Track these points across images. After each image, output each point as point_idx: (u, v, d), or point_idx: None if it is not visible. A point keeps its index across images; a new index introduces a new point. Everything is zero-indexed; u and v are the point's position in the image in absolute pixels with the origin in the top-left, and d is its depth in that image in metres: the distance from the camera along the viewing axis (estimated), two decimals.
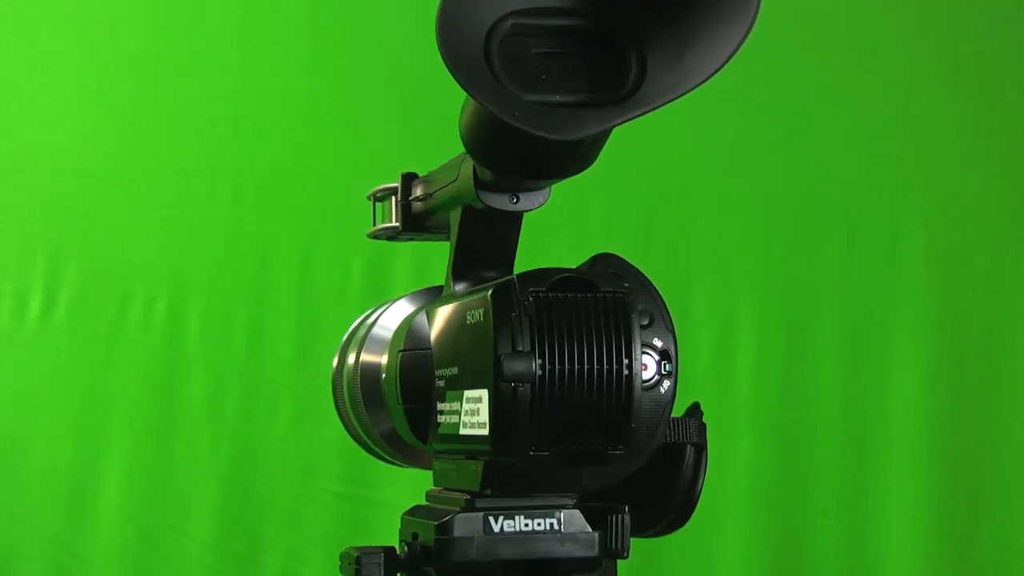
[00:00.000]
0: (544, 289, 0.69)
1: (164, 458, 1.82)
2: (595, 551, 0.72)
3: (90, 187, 1.89)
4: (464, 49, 0.63)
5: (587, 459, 0.70)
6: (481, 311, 0.69)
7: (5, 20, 1.94)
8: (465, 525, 0.73)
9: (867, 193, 1.71)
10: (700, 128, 1.74)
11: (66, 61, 1.92)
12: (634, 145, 1.74)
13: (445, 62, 0.61)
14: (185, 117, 1.87)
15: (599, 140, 0.69)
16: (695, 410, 0.76)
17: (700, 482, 0.75)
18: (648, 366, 0.69)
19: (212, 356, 1.84)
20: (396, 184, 0.84)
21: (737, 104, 1.72)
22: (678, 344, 0.70)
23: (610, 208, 1.74)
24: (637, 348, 0.68)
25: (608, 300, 0.69)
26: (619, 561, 0.76)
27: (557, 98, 0.65)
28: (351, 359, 0.89)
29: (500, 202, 0.73)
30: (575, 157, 0.68)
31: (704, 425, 0.75)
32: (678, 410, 0.76)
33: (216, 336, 1.84)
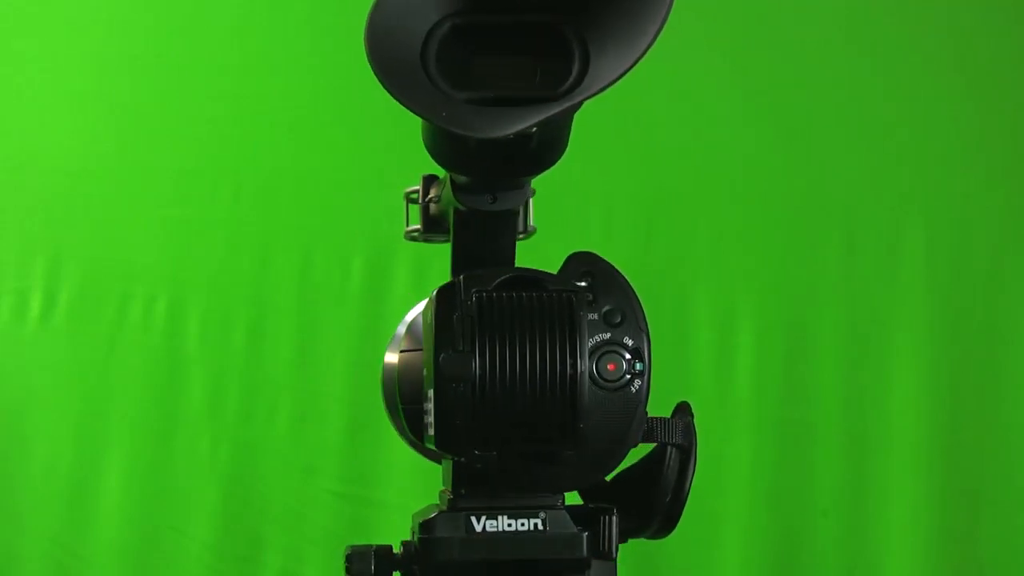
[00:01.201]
0: (490, 289, 0.69)
1: (164, 458, 1.82)
2: (582, 552, 0.72)
3: (90, 187, 1.89)
4: (398, 54, 0.63)
5: (536, 459, 0.69)
6: (429, 311, 0.70)
7: (5, 20, 1.94)
8: (447, 525, 0.73)
9: (867, 193, 1.71)
10: (700, 128, 1.74)
11: (66, 61, 1.92)
12: (634, 145, 1.74)
13: (372, 68, 0.61)
14: (185, 117, 1.87)
15: (556, 132, 0.67)
16: (682, 410, 0.74)
17: (687, 484, 0.73)
18: (617, 365, 0.69)
19: (212, 356, 1.84)
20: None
21: (737, 104, 1.72)
22: (651, 342, 0.70)
23: (610, 208, 1.74)
24: (583, 347, 0.67)
25: (554, 299, 0.68)
26: (619, 561, 0.76)
27: (492, 95, 0.64)
28: (384, 359, 0.89)
29: (479, 203, 0.73)
30: (528, 153, 0.67)
31: (691, 426, 0.74)
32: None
33: (216, 336, 1.84)
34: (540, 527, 0.72)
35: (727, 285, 1.72)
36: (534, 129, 0.64)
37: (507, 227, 0.75)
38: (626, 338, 0.69)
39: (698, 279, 1.72)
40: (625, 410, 0.69)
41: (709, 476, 1.69)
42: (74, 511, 1.81)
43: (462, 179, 0.72)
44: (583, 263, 0.72)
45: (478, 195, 0.73)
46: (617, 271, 0.72)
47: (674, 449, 0.73)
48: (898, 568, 1.65)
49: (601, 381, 0.70)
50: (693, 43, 1.74)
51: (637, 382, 0.69)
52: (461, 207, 0.74)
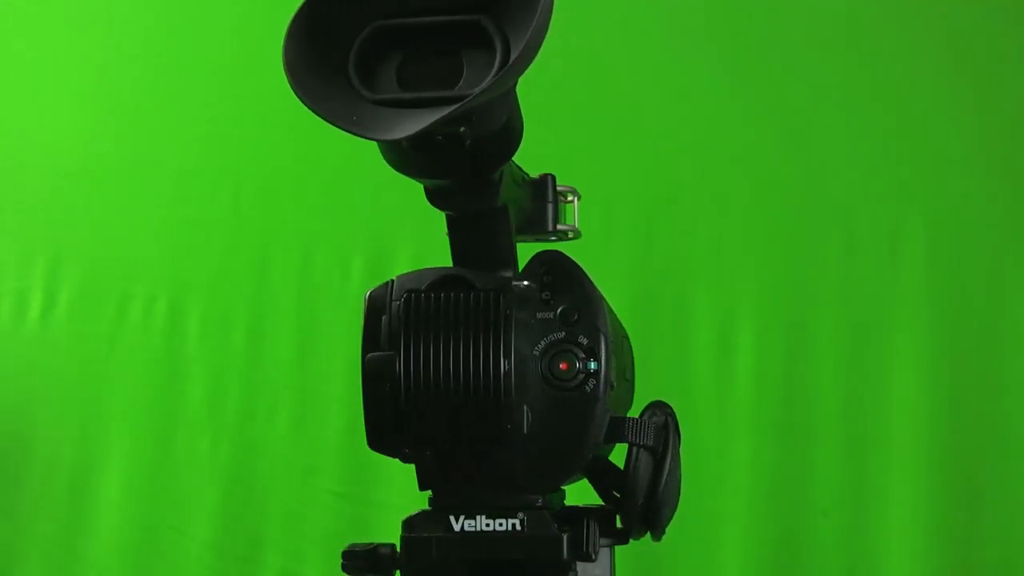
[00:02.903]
0: (420, 290, 0.69)
1: (164, 458, 1.82)
2: (562, 554, 0.71)
3: (90, 187, 1.89)
4: (319, 58, 0.63)
5: (466, 459, 0.69)
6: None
7: (5, 20, 1.94)
8: (426, 524, 0.73)
9: (867, 193, 1.71)
10: (700, 128, 1.74)
11: (66, 61, 1.92)
12: (634, 145, 1.74)
13: (285, 73, 0.61)
14: (185, 117, 1.87)
15: (492, 130, 0.66)
16: (653, 409, 0.72)
17: (661, 485, 0.71)
18: (569, 364, 0.68)
19: (212, 356, 1.84)
20: None
21: (737, 104, 1.72)
22: (612, 341, 0.69)
23: (610, 208, 1.74)
24: (509, 345, 0.67)
25: (480, 298, 0.68)
26: (618, 561, 0.76)
27: (407, 96, 0.63)
28: None
29: (449, 206, 0.72)
30: (465, 153, 0.66)
31: (666, 425, 0.72)
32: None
33: (216, 336, 1.84)
34: (518, 528, 0.71)
35: (727, 285, 1.72)
36: (463, 128, 0.63)
37: (499, 227, 0.74)
38: (581, 337, 0.68)
39: (698, 279, 1.72)
40: (580, 410, 0.68)
41: (709, 476, 1.69)
42: (74, 511, 1.81)
43: (426, 184, 0.72)
44: (544, 262, 0.72)
45: (445, 198, 0.72)
46: (579, 270, 0.71)
47: (642, 450, 0.71)
48: (898, 568, 1.65)
49: (554, 380, 0.69)
50: (693, 43, 1.74)
51: (592, 381, 0.68)
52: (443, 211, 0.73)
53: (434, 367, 0.67)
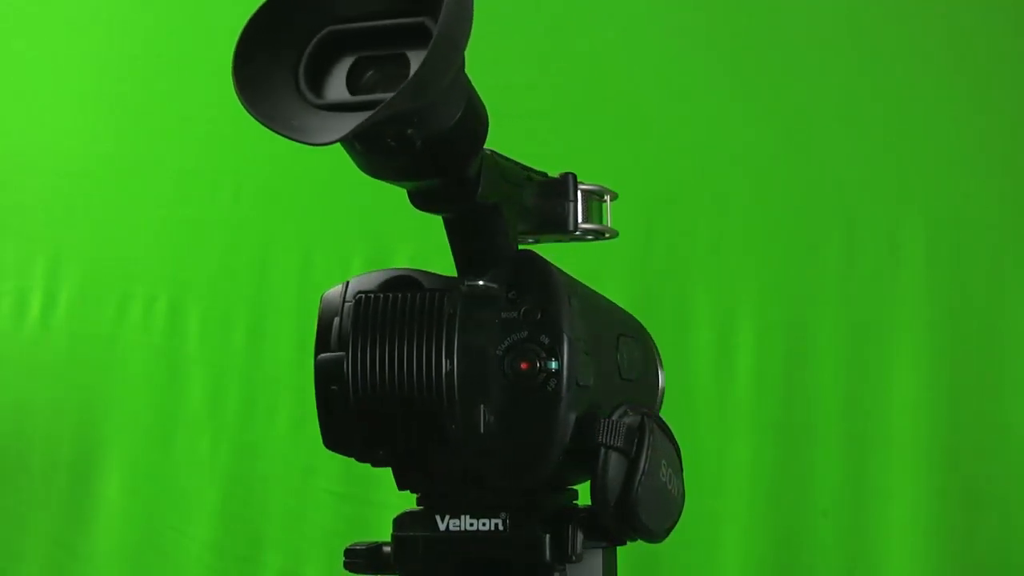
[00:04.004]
0: (371, 291, 0.69)
1: (164, 458, 1.82)
2: (544, 555, 0.70)
3: (90, 187, 1.89)
4: (267, 65, 0.63)
5: (414, 460, 0.70)
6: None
7: (5, 20, 1.94)
8: (413, 523, 0.73)
9: (867, 193, 1.71)
10: (700, 128, 1.74)
11: (66, 61, 1.93)
12: (634, 145, 1.74)
13: (232, 80, 0.61)
14: (185, 117, 1.87)
15: (441, 132, 0.65)
16: (626, 409, 0.71)
17: (634, 488, 0.69)
18: (530, 364, 0.67)
19: (212, 356, 1.84)
20: None
21: (737, 104, 1.72)
22: (577, 341, 0.68)
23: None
24: (452, 345, 0.67)
25: (426, 299, 0.68)
26: (618, 561, 0.76)
27: (352, 100, 0.63)
28: None
29: (430, 208, 0.72)
30: (416, 155, 0.66)
31: (641, 426, 0.71)
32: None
33: (216, 336, 1.84)
34: (501, 528, 0.71)
35: (727, 285, 1.72)
36: (410, 131, 0.63)
37: (492, 226, 0.73)
38: (543, 336, 0.68)
39: (698, 279, 1.72)
40: (541, 410, 0.68)
41: (709, 476, 1.69)
42: (74, 511, 1.81)
43: (402, 186, 0.72)
44: (513, 262, 0.71)
45: (426, 201, 0.71)
46: (548, 270, 0.70)
47: (613, 452, 0.69)
48: (898, 568, 1.65)
49: (515, 380, 0.68)
50: (693, 43, 1.74)
51: (553, 381, 0.67)
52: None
53: (380, 368, 0.67)
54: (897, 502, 1.65)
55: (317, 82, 0.63)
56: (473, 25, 0.61)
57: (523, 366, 0.68)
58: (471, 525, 0.71)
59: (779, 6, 1.75)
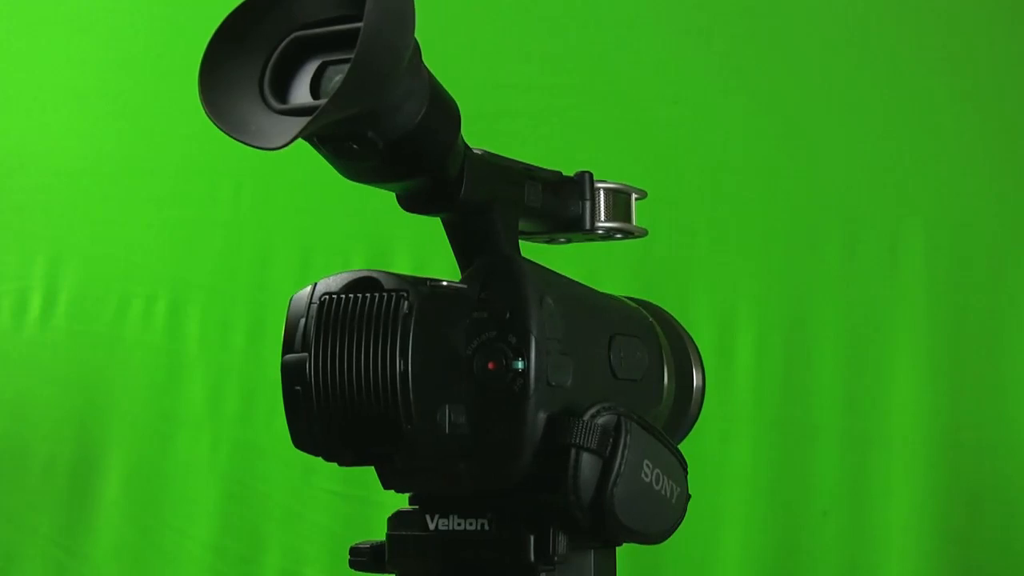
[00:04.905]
0: (337, 292, 0.69)
1: (164, 458, 1.82)
2: (528, 557, 0.69)
3: (90, 187, 1.89)
4: (233, 70, 0.63)
5: (378, 461, 0.70)
6: None
7: (5, 20, 1.94)
8: (405, 521, 0.74)
9: (867, 193, 1.71)
10: (700, 129, 1.74)
11: (66, 61, 1.93)
12: (634, 145, 1.74)
13: (198, 86, 0.61)
14: (185, 117, 1.87)
15: (402, 136, 0.66)
16: (599, 409, 0.69)
17: (607, 489, 0.68)
18: (496, 364, 0.67)
19: (212, 356, 1.84)
20: None
21: (737, 104, 1.72)
22: (546, 339, 0.68)
23: None
24: (406, 346, 0.66)
25: (383, 300, 0.68)
26: (618, 561, 0.75)
27: (311, 105, 0.63)
28: None
29: (415, 209, 0.72)
30: (383, 159, 0.66)
31: (617, 426, 0.69)
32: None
33: (216, 336, 1.84)
34: (486, 527, 0.70)
35: (727, 285, 1.72)
36: (370, 134, 0.64)
37: (486, 226, 0.73)
38: (510, 335, 0.67)
39: (698, 279, 1.72)
40: (508, 410, 0.67)
41: (709, 476, 1.69)
42: (74, 511, 1.81)
43: (385, 188, 0.72)
44: (491, 261, 0.71)
45: (414, 203, 0.72)
46: (519, 270, 0.70)
47: (584, 452, 0.68)
48: (898, 568, 1.65)
49: (484, 380, 0.68)
50: (693, 43, 1.74)
51: (519, 381, 0.67)
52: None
53: (338, 369, 0.68)
54: (897, 502, 1.65)
55: (284, 88, 0.63)
56: (414, 25, 0.61)
57: (490, 366, 0.67)
58: (458, 525, 0.71)
59: (779, 6, 1.75)
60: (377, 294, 0.68)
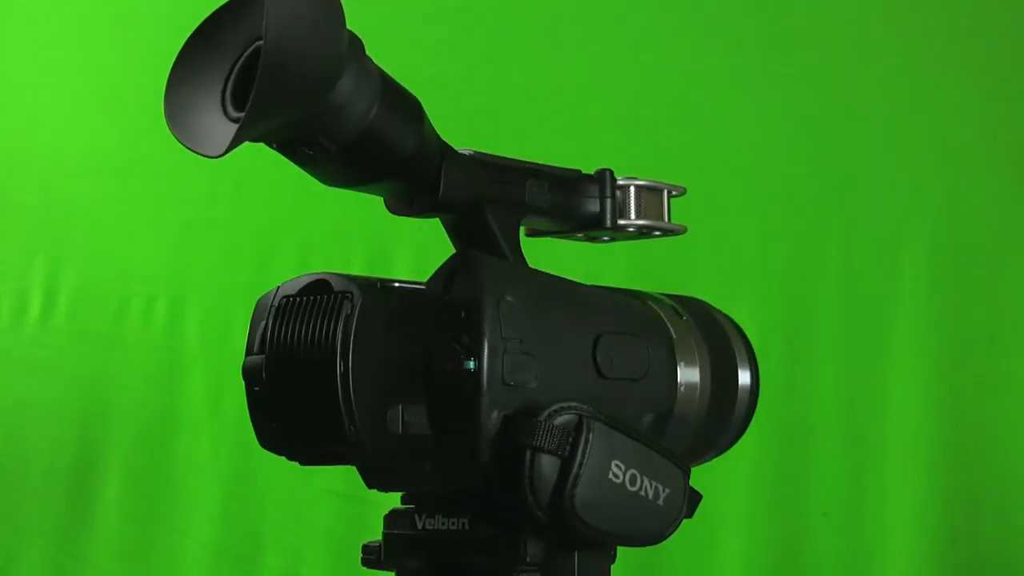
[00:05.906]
0: (294, 294, 0.70)
1: (164, 458, 1.82)
2: (502, 556, 0.69)
3: (90, 187, 1.89)
4: (197, 80, 0.64)
5: (335, 462, 0.71)
6: None
7: (5, 20, 1.94)
8: (398, 520, 0.75)
9: (867, 193, 1.71)
10: (701, 128, 1.74)
11: (66, 61, 1.92)
12: (634, 145, 1.74)
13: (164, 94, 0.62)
14: None
15: (357, 140, 0.66)
16: (558, 409, 0.68)
17: (566, 491, 0.66)
18: (454, 364, 0.67)
19: (212, 356, 1.84)
20: None
21: (737, 104, 1.72)
22: (501, 340, 0.67)
23: None
24: (347, 347, 0.66)
25: (330, 301, 0.68)
26: (617, 560, 0.75)
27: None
28: None
29: (399, 211, 0.73)
30: (344, 163, 0.67)
31: (578, 426, 0.67)
32: None
33: (216, 336, 1.84)
34: (467, 527, 0.71)
35: (727, 285, 1.72)
36: (320, 138, 0.64)
37: (480, 227, 0.73)
38: (464, 336, 0.67)
39: (698, 279, 1.72)
40: (463, 411, 0.67)
41: (709, 476, 1.69)
42: (74, 511, 1.81)
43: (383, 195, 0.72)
44: (455, 261, 0.71)
45: (400, 206, 0.73)
46: (481, 269, 0.69)
47: (540, 453, 0.66)
48: (898, 569, 1.65)
49: (442, 380, 0.68)
50: (694, 43, 1.74)
51: (471, 381, 0.66)
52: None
53: (290, 371, 0.68)
54: (897, 502, 1.65)
55: (245, 97, 0.63)
56: (337, 29, 0.61)
57: (448, 366, 0.67)
58: (443, 524, 0.72)
59: (780, 7, 1.75)
60: (324, 296, 0.68)
